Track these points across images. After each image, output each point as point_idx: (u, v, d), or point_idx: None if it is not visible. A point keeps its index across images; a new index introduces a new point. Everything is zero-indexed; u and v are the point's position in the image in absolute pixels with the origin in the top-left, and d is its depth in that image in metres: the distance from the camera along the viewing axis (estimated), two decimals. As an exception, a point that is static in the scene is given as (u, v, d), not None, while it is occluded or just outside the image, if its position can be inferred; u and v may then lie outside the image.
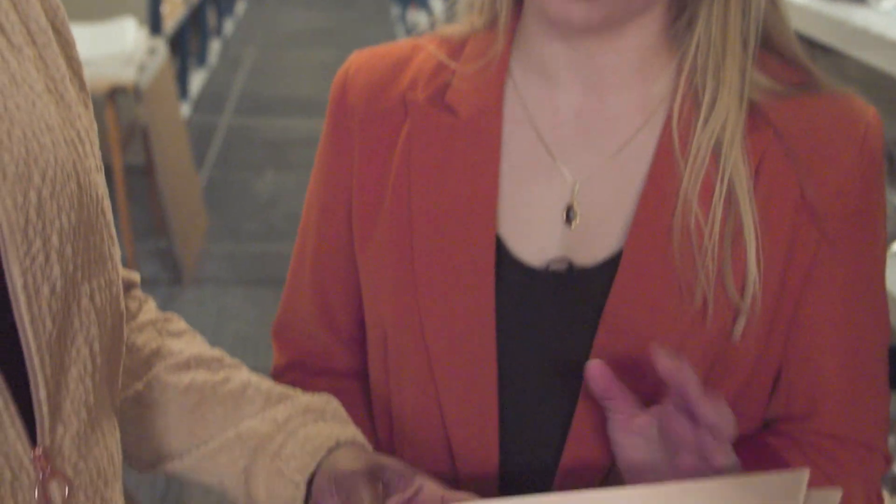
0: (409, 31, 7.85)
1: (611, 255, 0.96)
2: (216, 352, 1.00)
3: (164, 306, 1.04)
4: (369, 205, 1.02)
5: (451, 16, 1.06)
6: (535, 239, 0.98)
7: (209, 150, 5.55)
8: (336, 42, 8.19)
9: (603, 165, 0.98)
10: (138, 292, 1.02)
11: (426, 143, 1.00)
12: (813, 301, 0.95)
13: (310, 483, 0.90)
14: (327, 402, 0.95)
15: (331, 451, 0.90)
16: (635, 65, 0.97)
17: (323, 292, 1.08)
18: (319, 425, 0.92)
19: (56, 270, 0.73)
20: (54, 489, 0.74)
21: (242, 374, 0.97)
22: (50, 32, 0.79)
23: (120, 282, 0.82)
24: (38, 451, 0.72)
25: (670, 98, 0.97)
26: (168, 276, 3.98)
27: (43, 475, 0.72)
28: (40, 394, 0.72)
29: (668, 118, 0.96)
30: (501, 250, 0.98)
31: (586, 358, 0.94)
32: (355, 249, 1.04)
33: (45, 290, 0.72)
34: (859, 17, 1.59)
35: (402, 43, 1.07)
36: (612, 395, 0.88)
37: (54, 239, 0.72)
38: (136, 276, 0.99)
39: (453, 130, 0.99)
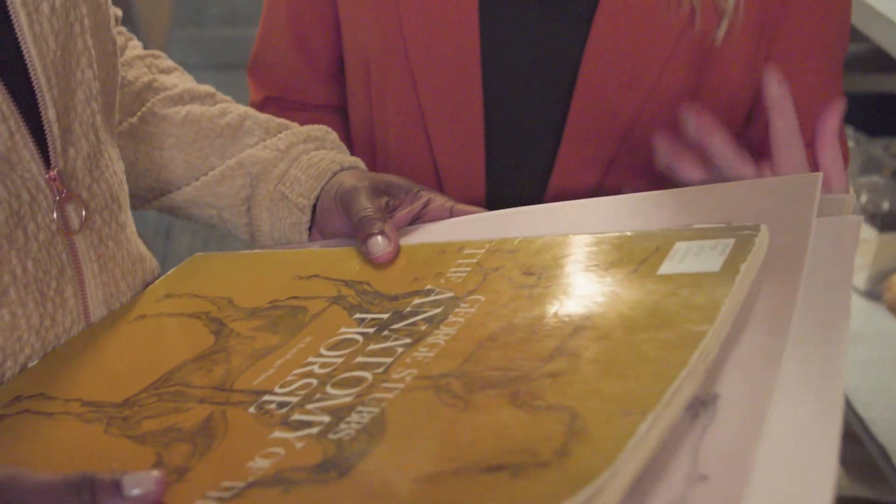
0: None
1: None
2: (208, 87, 1.00)
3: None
4: None
5: None
6: None
7: (167, -68, 5.35)
8: None
9: None
10: (122, 28, 1.00)
11: None
12: (790, 15, 0.97)
13: (314, 209, 0.90)
14: (327, 132, 0.95)
15: (335, 174, 0.89)
16: None
17: (300, 23, 1.07)
18: (322, 152, 0.92)
19: None
20: (71, 212, 0.76)
21: (239, 107, 0.97)
22: None
23: (111, 9, 0.82)
24: (53, 172, 0.74)
25: None
26: (134, 62, 3.89)
27: (59, 197, 0.74)
28: (49, 114, 0.73)
29: None
30: None
31: (574, 74, 0.95)
32: None
33: (45, 7, 0.72)
34: None
35: None
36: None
37: None
38: (118, 11, 0.96)
39: None
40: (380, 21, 0.99)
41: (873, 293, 1.62)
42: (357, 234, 0.81)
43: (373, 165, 1.05)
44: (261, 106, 1.10)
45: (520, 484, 0.51)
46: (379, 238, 0.79)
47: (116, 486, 0.56)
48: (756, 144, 1.02)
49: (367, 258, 0.80)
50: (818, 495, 0.51)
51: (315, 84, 1.10)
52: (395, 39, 0.98)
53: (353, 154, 1.05)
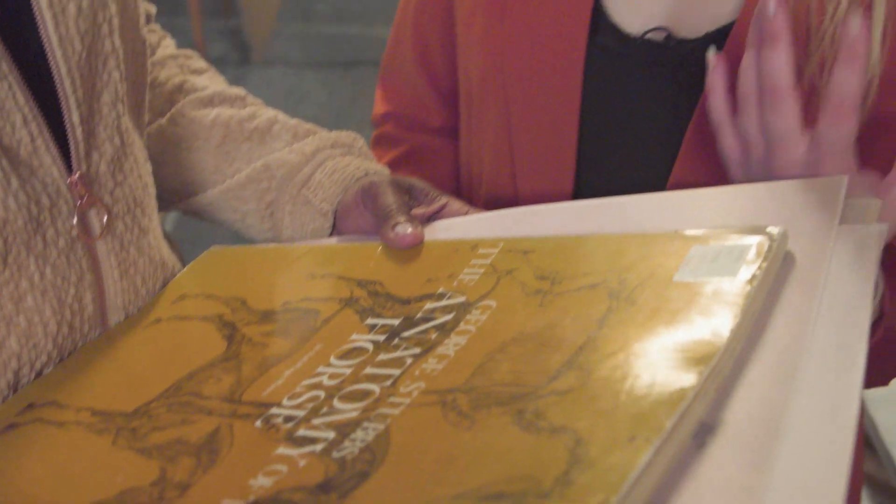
0: None
1: (716, 28, 0.89)
2: (239, 90, 0.99)
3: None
4: None
5: None
6: (638, 4, 0.92)
7: (281, -73, 5.42)
8: None
9: None
10: (156, 26, 1.00)
11: None
12: None
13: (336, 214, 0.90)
14: (354, 139, 0.95)
15: (358, 180, 0.89)
16: None
17: (423, 42, 1.06)
18: (348, 158, 0.91)
19: None
20: (93, 217, 0.75)
21: (268, 111, 0.96)
22: None
23: (140, 7, 0.82)
24: (75, 177, 0.73)
25: None
26: (237, 56, 3.96)
27: (81, 202, 0.74)
28: (73, 117, 0.73)
29: None
30: (598, 12, 0.93)
31: (678, 140, 0.89)
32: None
33: (72, 8, 0.71)
34: None
35: None
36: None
37: None
38: (151, 7, 0.95)
39: None
40: (484, 48, 0.96)
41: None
42: (382, 224, 0.82)
43: (469, 195, 1.03)
44: (381, 120, 1.11)
45: None
46: (408, 225, 0.80)
47: None
48: None
49: (393, 244, 0.80)
50: None
51: (434, 103, 1.09)
52: (496, 69, 0.95)
53: (459, 181, 1.06)
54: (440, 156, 1.06)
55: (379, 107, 1.13)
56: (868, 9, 0.83)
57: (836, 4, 0.84)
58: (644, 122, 0.93)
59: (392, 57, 1.11)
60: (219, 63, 3.81)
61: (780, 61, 0.76)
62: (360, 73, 3.75)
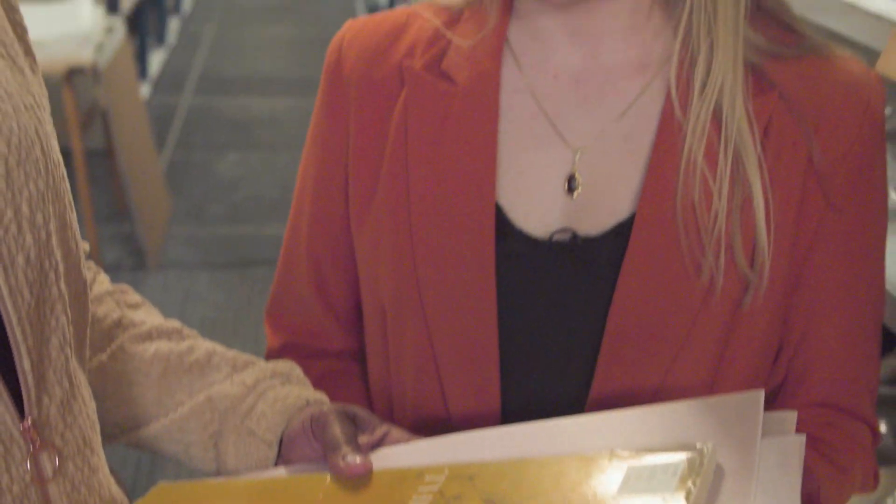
0: (371, 7, 7.77)
1: (616, 223, 0.94)
2: (175, 323, 1.01)
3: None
4: (366, 176, 1.00)
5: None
6: (537, 209, 0.96)
7: (170, 131, 5.51)
8: (296, 18, 8.10)
9: (605, 132, 0.97)
10: (91, 263, 1.01)
11: (423, 111, 0.98)
12: (814, 268, 0.95)
13: (280, 443, 0.91)
14: (292, 368, 0.97)
15: (300, 410, 0.91)
16: (631, 28, 0.96)
17: (319, 268, 1.07)
18: (287, 387, 0.94)
19: (28, 239, 0.73)
20: (45, 460, 0.75)
21: (206, 343, 0.98)
22: None
23: (81, 249, 0.83)
24: (27, 422, 0.73)
25: (669, 62, 0.96)
26: (132, 261, 3.95)
27: (34, 447, 0.74)
28: (24, 365, 0.73)
29: (668, 84, 0.95)
30: (502, 220, 0.96)
31: (596, 334, 0.93)
32: (352, 224, 1.02)
33: (20, 260, 0.73)
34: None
35: (397, 11, 1.06)
36: None
37: (24, 208, 0.73)
38: (86, 245, 0.98)
39: (450, 98, 0.98)
40: (395, 270, 0.98)
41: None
42: (331, 454, 0.84)
43: (389, 412, 1.03)
44: (278, 352, 1.10)
45: None
46: (357, 456, 0.83)
47: None
48: (778, 387, 0.99)
49: (343, 474, 0.82)
50: None
51: (334, 329, 1.09)
52: (411, 290, 0.97)
53: (369, 401, 1.06)
54: (345, 379, 1.07)
55: (272, 341, 1.11)
56: (748, 201, 0.91)
57: (719, 190, 0.91)
58: (561, 322, 0.96)
59: (282, 290, 1.11)
60: (114, 269, 3.80)
61: None
62: (256, 273, 3.77)
